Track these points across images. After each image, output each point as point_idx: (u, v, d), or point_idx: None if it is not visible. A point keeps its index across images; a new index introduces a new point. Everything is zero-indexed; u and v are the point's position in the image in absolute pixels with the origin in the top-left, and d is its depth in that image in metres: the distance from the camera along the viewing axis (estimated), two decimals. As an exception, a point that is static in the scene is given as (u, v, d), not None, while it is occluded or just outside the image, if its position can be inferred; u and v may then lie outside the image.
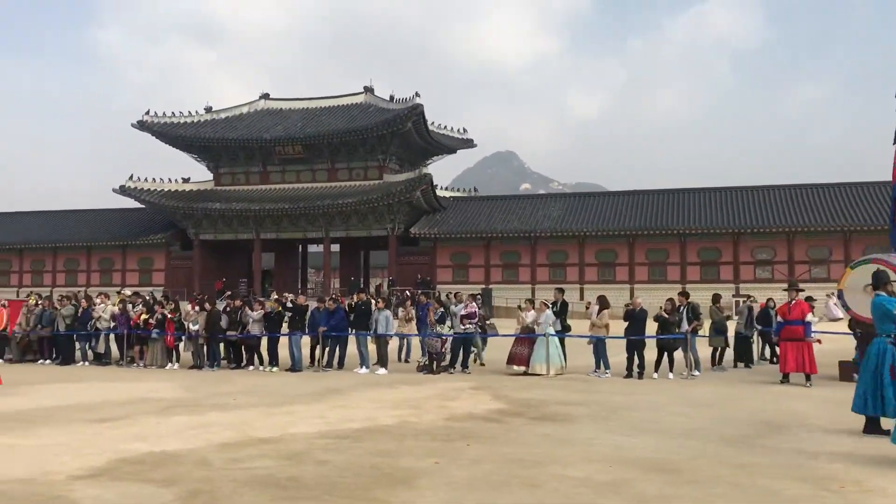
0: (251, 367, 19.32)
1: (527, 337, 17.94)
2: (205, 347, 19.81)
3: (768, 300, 21.13)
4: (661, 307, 17.99)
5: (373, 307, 19.38)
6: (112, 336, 21.19)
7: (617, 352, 18.00)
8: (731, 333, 19.89)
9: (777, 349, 17.96)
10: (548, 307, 18.30)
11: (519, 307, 18.97)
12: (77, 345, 21.48)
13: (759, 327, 20.42)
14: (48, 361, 21.34)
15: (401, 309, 20.35)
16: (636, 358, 17.21)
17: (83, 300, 21.99)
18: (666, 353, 17.38)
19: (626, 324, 17.94)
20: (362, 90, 56.92)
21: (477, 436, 10.11)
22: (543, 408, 12.60)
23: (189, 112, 57.14)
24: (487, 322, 20.12)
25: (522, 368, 17.62)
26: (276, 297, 22.04)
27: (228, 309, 20.08)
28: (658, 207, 50.29)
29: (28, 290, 48.43)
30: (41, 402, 13.69)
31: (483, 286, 48.30)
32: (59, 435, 10.29)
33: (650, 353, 17.38)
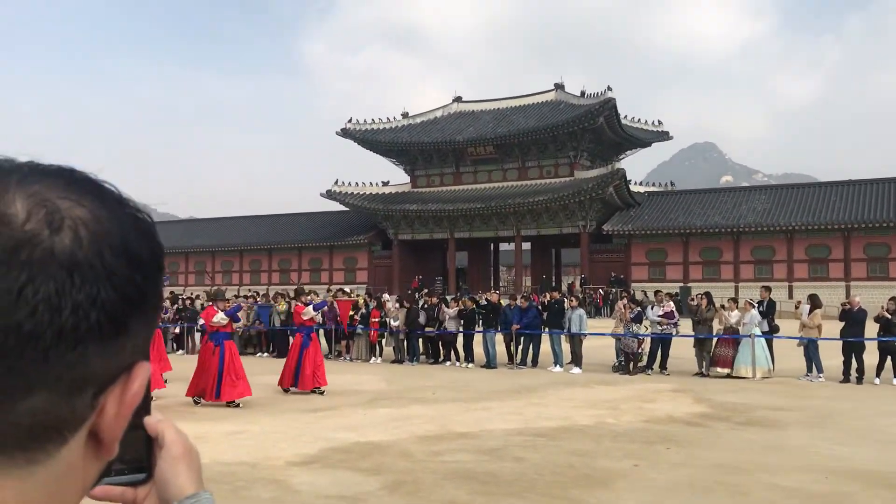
0: (448, 363, 19.91)
1: (731, 338, 17.09)
2: (405, 343, 20.68)
3: None
4: (882, 307, 16.46)
5: (566, 306, 19.29)
6: (321, 331, 22.64)
7: (831, 355, 16.67)
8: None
9: None
10: (753, 306, 17.34)
11: (722, 306, 18.08)
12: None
13: None
14: (265, 354, 23.17)
15: (617, 307, 19.69)
16: (854, 361, 15.87)
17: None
18: (890, 357, 15.87)
19: (842, 324, 16.61)
20: (552, 87, 56.72)
21: (678, 439, 9.79)
22: (750, 412, 11.96)
23: (387, 118, 59.77)
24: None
25: (726, 371, 16.80)
26: (470, 295, 22.52)
27: (426, 306, 20.81)
28: (878, 198, 45.92)
29: (247, 287, 52.83)
30: (261, 392, 14.89)
31: (681, 284, 46.54)
32: (277, 423, 11.17)
33: (870, 356, 15.96)
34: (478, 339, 19.99)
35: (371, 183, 59.00)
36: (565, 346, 18.86)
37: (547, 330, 19.26)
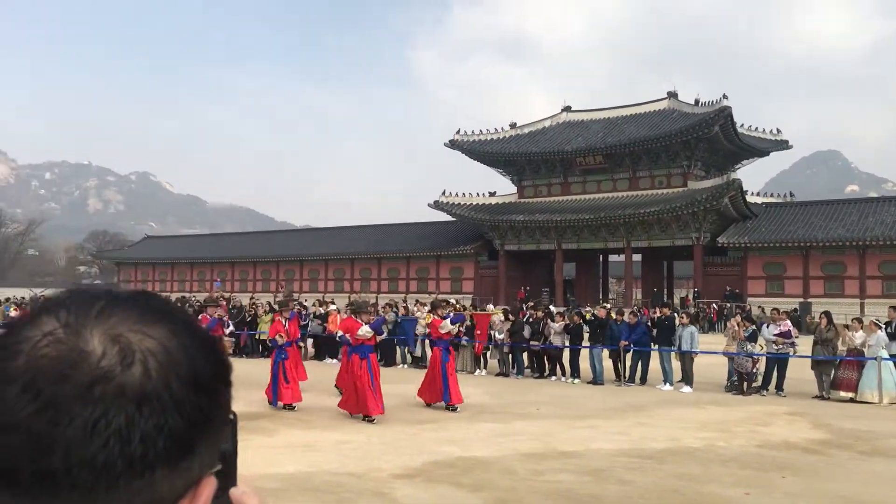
0: (553, 378, 19.72)
1: (855, 360, 16.17)
2: (510, 356, 20.62)
3: None
4: None
5: (677, 322, 18.77)
6: (427, 341, 22.87)
7: (969, 381, 15.51)
8: None
9: None
10: (879, 327, 16.35)
11: (846, 326, 17.13)
12: (397, 349, 23.50)
13: None
14: (374, 363, 23.59)
15: (730, 324, 18.78)
16: None
17: (402, 307, 24.06)
18: None
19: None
20: (665, 96, 55.49)
21: (794, 467, 9.34)
22: (875, 441, 11.27)
23: (495, 129, 59.98)
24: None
25: (849, 395, 15.91)
26: (577, 310, 22.22)
27: (531, 320, 20.69)
28: None
29: (358, 296, 53.97)
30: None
31: (801, 300, 44.45)
32: (383, 434, 11.36)
33: None
34: (584, 353, 19.72)
35: (478, 193, 59.32)
36: (675, 364, 18.35)
37: (656, 347, 18.79)
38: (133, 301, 0.70)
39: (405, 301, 34.35)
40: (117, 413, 0.63)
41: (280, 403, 13.80)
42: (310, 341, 25.43)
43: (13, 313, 32.59)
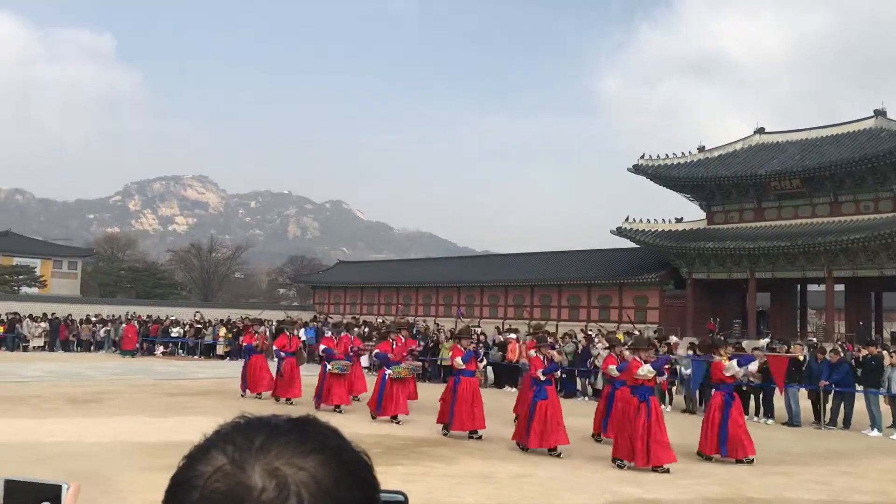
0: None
1: None
2: (696, 392, 19.76)
3: None
4: None
5: (885, 362, 17.20)
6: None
7: None
8: None
9: None
10: None
11: None
12: (578, 380, 23.21)
13: None
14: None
15: None
16: None
17: (583, 338, 23.76)
18: None
19: None
20: (871, 114, 51.29)
21: None
22: None
23: (682, 153, 58.08)
24: None
25: None
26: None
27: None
28: None
29: (534, 321, 53.94)
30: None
31: None
32: (562, 469, 11.27)
33: None
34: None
35: (663, 220, 57.57)
36: (885, 408, 16.80)
37: (861, 388, 17.30)
38: (290, 431, 0.82)
39: (586, 329, 33.85)
40: None
41: (538, 448, 12.45)
42: (489, 369, 25.74)
43: (221, 333, 35.66)
